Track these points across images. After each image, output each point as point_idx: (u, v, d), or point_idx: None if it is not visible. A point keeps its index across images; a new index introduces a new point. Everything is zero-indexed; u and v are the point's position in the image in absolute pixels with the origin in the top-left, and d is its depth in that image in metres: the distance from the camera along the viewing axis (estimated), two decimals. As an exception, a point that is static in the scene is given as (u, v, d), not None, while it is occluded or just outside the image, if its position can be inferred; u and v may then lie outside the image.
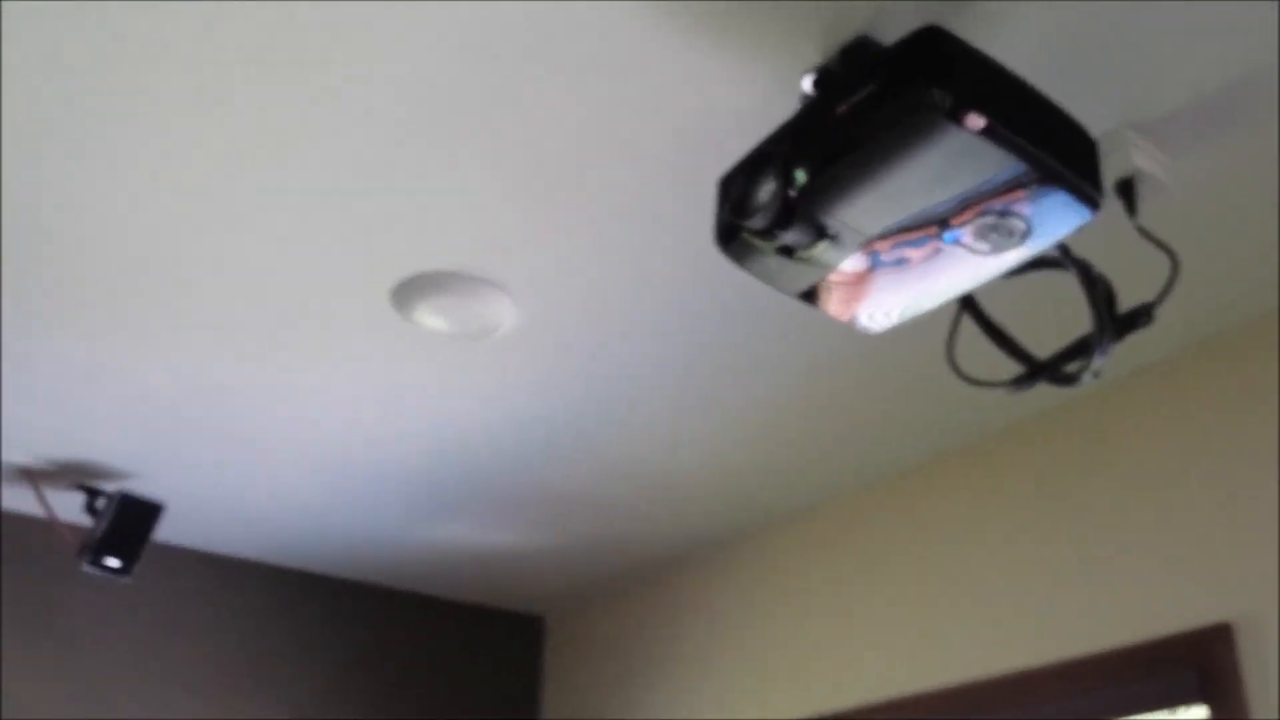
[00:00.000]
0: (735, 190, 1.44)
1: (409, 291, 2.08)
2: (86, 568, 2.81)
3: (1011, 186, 1.34)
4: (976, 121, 1.27)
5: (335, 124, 1.66)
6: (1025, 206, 1.37)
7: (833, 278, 1.50)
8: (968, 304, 1.66)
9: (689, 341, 2.22)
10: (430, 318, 2.14)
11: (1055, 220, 1.40)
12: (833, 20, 1.45)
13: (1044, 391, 1.74)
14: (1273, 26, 1.45)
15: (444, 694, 3.66)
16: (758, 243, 1.43)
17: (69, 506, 2.94)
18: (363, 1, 1.43)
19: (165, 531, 3.17)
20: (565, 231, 1.90)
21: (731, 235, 1.46)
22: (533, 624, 3.96)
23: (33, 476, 2.88)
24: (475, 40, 1.50)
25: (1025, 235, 1.41)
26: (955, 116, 1.27)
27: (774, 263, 1.47)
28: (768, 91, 1.57)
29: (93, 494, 2.88)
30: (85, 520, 2.88)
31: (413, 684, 3.63)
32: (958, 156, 1.30)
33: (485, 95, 1.60)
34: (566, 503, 3.01)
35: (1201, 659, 1.99)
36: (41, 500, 2.91)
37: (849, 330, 1.62)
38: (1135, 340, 1.67)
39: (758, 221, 1.39)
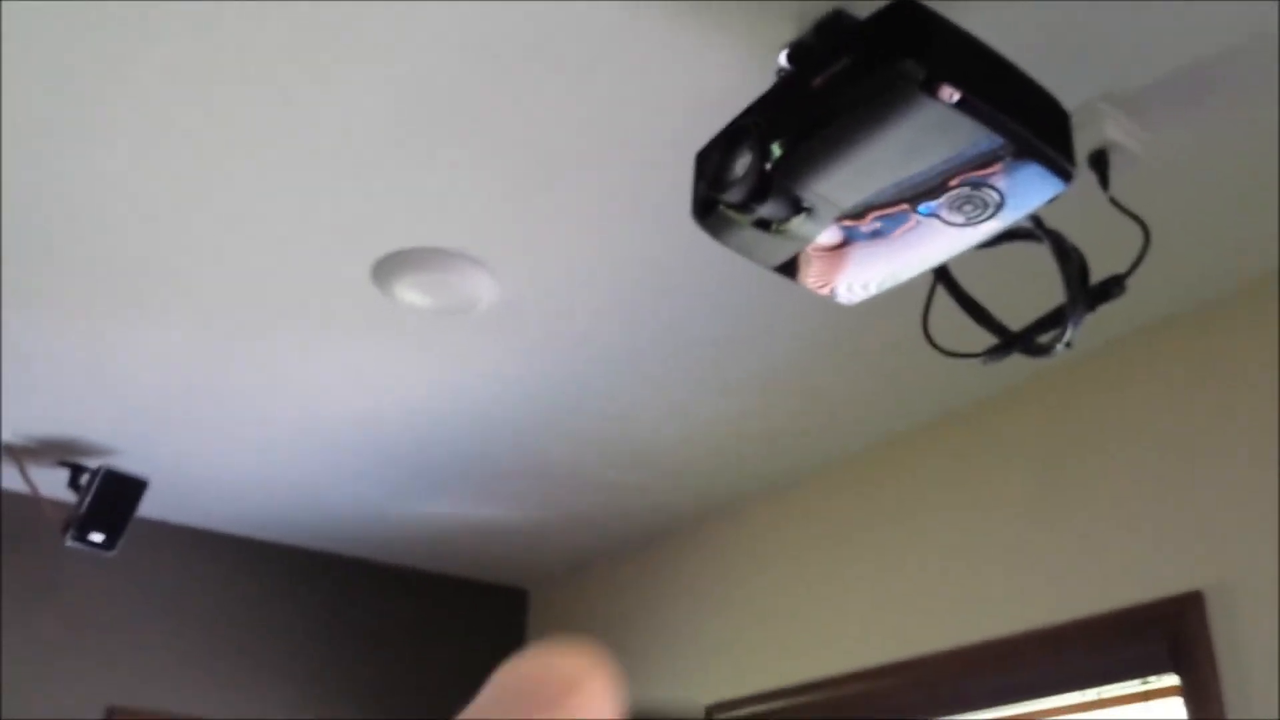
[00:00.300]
0: (712, 164, 1.44)
1: (390, 268, 2.08)
2: (70, 543, 2.83)
3: (986, 159, 1.35)
4: (951, 94, 1.29)
5: (320, 111, 1.67)
6: (999, 179, 1.39)
7: (810, 250, 1.51)
8: (942, 276, 1.68)
9: (667, 317, 2.23)
10: (411, 294, 2.15)
11: (1029, 192, 1.41)
12: (808, -7, 1.45)
13: (1018, 363, 1.75)
14: (1249, 2, 1.46)
15: (428, 666, 3.69)
16: (734, 216, 1.44)
17: (54, 483, 2.94)
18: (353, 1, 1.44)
19: (152, 507, 3.18)
20: (544, 208, 1.90)
21: (708, 209, 1.46)
22: (516, 597, 3.99)
23: (16, 454, 2.88)
24: (457, 29, 1.50)
25: (999, 207, 1.43)
26: (929, 89, 1.28)
27: (751, 236, 1.48)
28: (745, 68, 1.57)
29: (77, 470, 2.89)
30: (70, 497, 2.89)
31: (398, 656, 3.65)
32: (932, 129, 1.31)
33: (465, 80, 1.61)
34: (549, 477, 3.02)
35: (1173, 627, 2.03)
36: (25, 477, 2.91)
37: (827, 303, 1.64)
38: (1108, 311, 1.69)
39: (734, 195, 1.40)
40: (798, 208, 1.42)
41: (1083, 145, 1.64)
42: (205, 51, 1.56)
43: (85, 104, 1.67)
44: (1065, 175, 1.38)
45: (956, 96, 1.28)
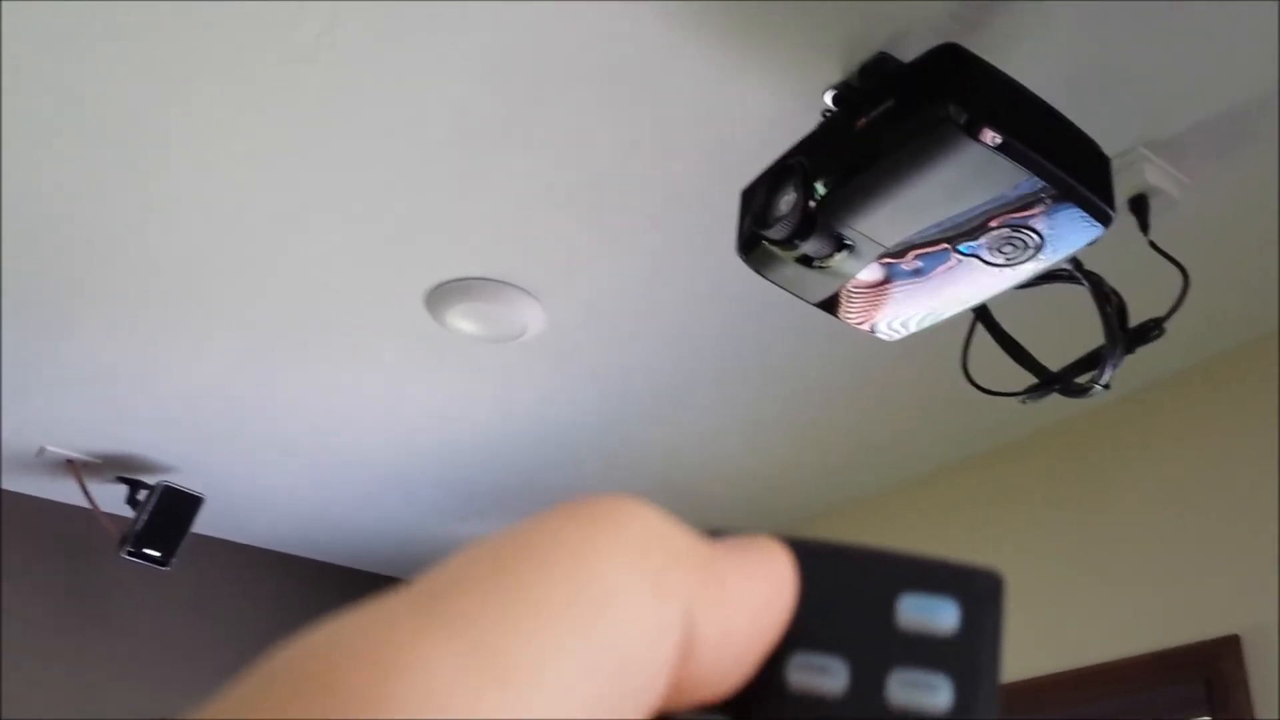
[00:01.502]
0: (757, 201, 1.49)
1: (442, 295, 2.14)
2: (126, 557, 2.90)
3: (1026, 201, 1.39)
4: (992, 137, 1.32)
5: (373, 139, 1.73)
6: (1039, 221, 1.42)
7: (851, 287, 1.55)
8: (982, 315, 1.71)
9: (711, 347, 2.28)
10: (462, 321, 2.21)
11: (1068, 235, 1.44)
12: (854, 38, 1.50)
13: (1057, 403, 1.77)
14: (1284, 50, 1.49)
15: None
16: (778, 252, 1.48)
17: (112, 498, 3.02)
18: (401, 28, 1.50)
19: (204, 524, 3.25)
20: (593, 239, 1.96)
21: (753, 244, 1.51)
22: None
23: (76, 468, 2.97)
24: (509, 59, 1.56)
25: (1039, 249, 1.46)
26: (971, 131, 1.31)
27: (794, 272, 1.52)
28: (791, 107, 1.62)
29: (135, 486, 2.96)
30: (128, 511, 2.97)
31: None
32: (973, 171, 1.35)
33: (518, 112, 1.67)
34: (592, 505, 3.06)
35: (1210, 670, 2.02)
36: (85, 492, 2.99)
37: (867, 339, 1.67)
38: (1147, 354, 1.71)
39: (778, 231, 1.43)
40: (840, 245, 1.46)
41: (1123, 189, 1.67)
42: (265, 76, 1.63)
43: (148, 122, 1.74)
44: (1104, 219, 1.41)
45: (998, 140, 1.31)
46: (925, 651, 0.20)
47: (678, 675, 0.17)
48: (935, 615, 0.20)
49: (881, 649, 0.20)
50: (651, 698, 0.17)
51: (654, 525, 0.18)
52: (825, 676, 0.19)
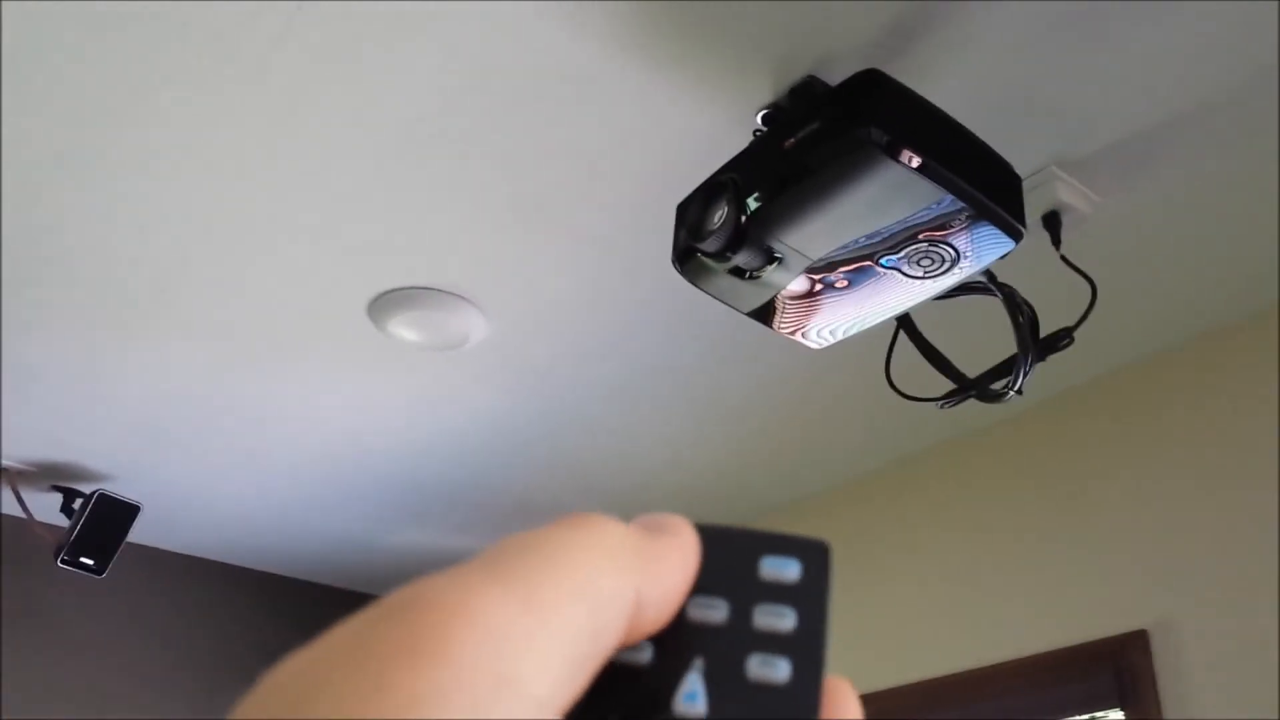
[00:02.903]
0: (691, 215, 1.56)
1: (385, 305, 2.18)
2: (61, 565, 2.89)
3: (943, 218, 1.47)
4: (911, 158, 1.41)
5: (318, 150, 1.77)
6: (955, 237, 1.50)
7: (782, 297, 1.62)
8: (904, 323, 1.79)
9: (650, 355, 2.34)
10: (404, 330, 2.25)
11: (982, 250, 1.53)
12: (784, 61, 1.58)
13: (976, 409, 1.87)
14: (1190, 74, 1.59)
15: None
16: (712, 264, 1.55)
17: (48, 506, 3.01)
18: (351, 45, 1.55)
19: (144, 533, 3.25)
20: (532, 249, 2.01)
21: (688, 257, 1.57)
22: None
23: (11, 477, 2.95)
24: (458, 77, 1.62)
25: (955, 262, 1.54)
26: (892, 153, 1.39)
27: (726, 282, 1.59)
28: (724, 126, 1.69)
29: (70, 494, 2.96)
30: (64, 520, 2.96)
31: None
32: (893, 190, 1.43)
33: (462, 127, 1.72)
34: (532, 508, 3.11)
35: (1119, 664, 2.13)
36: (19, 500, 2.98)
37: (797, 346, 1.75)
38: (1059, 361, 1.81)
39: (711, 244, 1.50)
40: (770, 258, 1.53)
41: (1036, 206, 1.77)
42: (210, 89, 1.67)
43: (90, 133, 1.76)
44: (1016, 235, 1.50)
45: (917, 161, 1.39)
46: (778, 593, 0.29)
47: (631, 622, 0.27)
48: (784, 569, 0.29)
49: (750, 592, 0.29)
50: (616, 637, 0.26)
51: (620, 531, 0.28)
52: (713, 611, 0.29)
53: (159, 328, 2.28)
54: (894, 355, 1.87)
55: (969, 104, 1.62)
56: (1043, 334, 1.70)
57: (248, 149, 1.78)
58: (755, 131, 1.64)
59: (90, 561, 2.92)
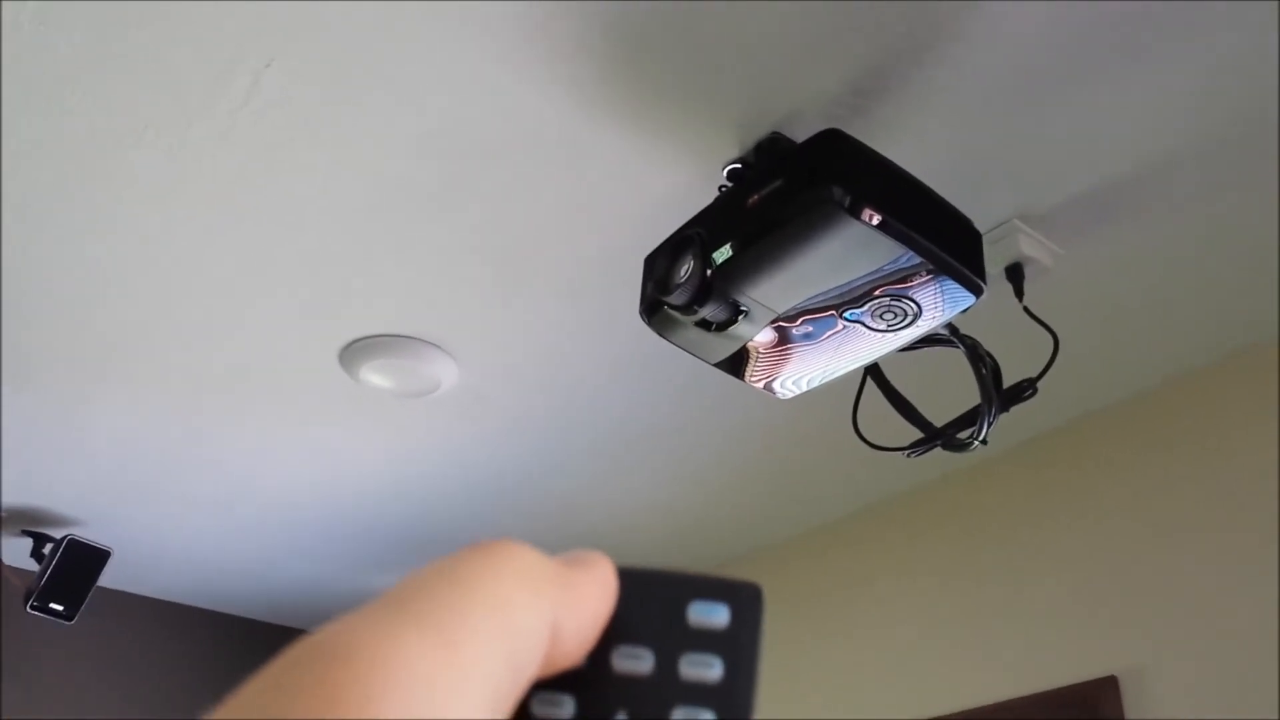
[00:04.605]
0: (658, 268, 1.58)
1: (356, 352, 2.19)
2: (30, 611, 2.87)
3: (904, 274, 1.49)
4: (872, 216, 1.43)
5: (291, 203, 1.79)
6: (916, 291, 1.52)
7: (749, 348, 1.64)
8: (872, 373, 1.81)
9: (618, 406, 2.36)
10: (375, 377, 2.26)
11: (943, 304, 1.55)
12: (749, 118, 1.60)
13: (942, 457, 1.88)
14: (1150, 130, 1.63)
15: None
16: (679, 316, 1.57)
17: (18, 552, 2.99)
18: (324, 103, 1.57)
19: (114, 577, 3.23)
20: (503, 299, 2.03)
21: (655, 309, 1.59)
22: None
23: (-20, 522, 2.93)
24: (433, 135, 1.64)
25: (917, 316, 1.56)
26: (853, 211, 1.42)
27: (694, 335, 1.60)
28: (691, 182, 1.72)
29: (40, 539, 2.94)
30: (34, 565, 2.94)
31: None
32: (855, 246, 1.45)
33: (434, 183, 1.74)
34: (505, 555, 3.11)
35: (1089, 710, 2.14)
36: (-12, 545, 2.96)
37: (765, 397, 1.77)
38: (1023, 411, 1.83)
39: (678, 297, 1.52)
40: (736, 311, 1.55)
41: (998, 259, 1.80)
42: (184, 142, 1.69)
43: (61, 188, 1.78)
44: (976, 290, 1.52)
45: (877, 219, 1.42)
46: (706, 640, 0.28)
47: (548, 654, 0.26)
48: (713, 615, 0.28)
49: (676, 640, 0.28)
50: (534, 669, 0.25)
51: (532, 557, 0.27)
52: (638, 661, 0.27)
53: (130, 375, 2.28)
54: (861, 403, 1.88)
55: (932, 160, 1.65)
56: (1006, 385, 1.72)
57: (219, 201, 1.79)
58: (720, 187, 1.66)
59: (60, 607, 2.90)
